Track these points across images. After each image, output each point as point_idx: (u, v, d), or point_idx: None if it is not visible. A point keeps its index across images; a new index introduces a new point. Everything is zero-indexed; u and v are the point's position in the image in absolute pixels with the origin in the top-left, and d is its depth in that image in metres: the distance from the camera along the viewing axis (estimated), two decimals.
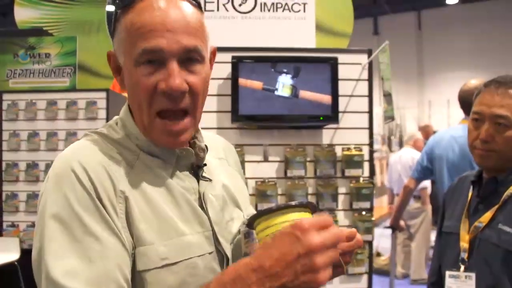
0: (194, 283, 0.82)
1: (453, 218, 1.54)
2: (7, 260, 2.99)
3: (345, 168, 2.43)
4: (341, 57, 2.40)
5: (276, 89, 2.30)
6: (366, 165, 2.45)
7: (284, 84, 2.31)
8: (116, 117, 0.96)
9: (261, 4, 2.75)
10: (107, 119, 3.16)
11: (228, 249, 0.92)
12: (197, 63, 0.86)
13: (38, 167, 3.24)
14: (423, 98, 13.90)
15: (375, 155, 6.87)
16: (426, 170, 3.12)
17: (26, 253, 3.02)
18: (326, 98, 2.33)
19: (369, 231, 2.41)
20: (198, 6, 0.88)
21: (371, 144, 2.49)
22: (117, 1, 0.86)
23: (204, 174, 0.95)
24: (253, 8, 2.75)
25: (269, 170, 2.43)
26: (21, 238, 3.17)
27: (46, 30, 3.59)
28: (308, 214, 0.77)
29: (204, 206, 0.91)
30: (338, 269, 0.91)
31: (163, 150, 0.90)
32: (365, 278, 2.43)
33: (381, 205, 6.45)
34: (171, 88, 0.82)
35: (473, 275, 1.38)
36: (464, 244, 1.43)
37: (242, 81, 2.29)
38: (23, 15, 3.61)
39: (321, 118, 2.35)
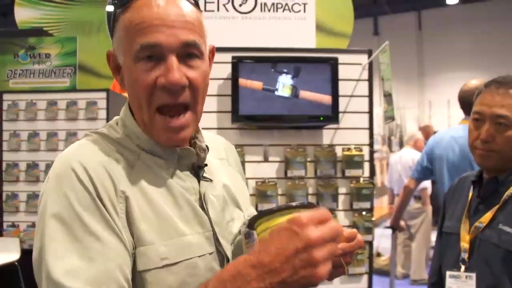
0: (194, 284, 0.82)
1: (453, 218, 1.54)
2: (8, 260, 3.00)
3: (345, 168, 2.43)
4: (341, 57, 2.40)
5: (276, 89, 2.31)
6: (366, 165, 2.45)
7: (284, 84, 2.31)
8: (116, 117, 0.96)
9: (261, 4, 2.75)
10: (107, 120, 3.16)
11: (228, 250, 0.92)
12: (196, 59, 0.86)
13: (38, 167, 3.24)
14: (424, 99, 13.90)
15: (375, 155, 6.87)
16: (426, 171, 3.12)
17: (26, 253, 3.02)
18: (326, 98, 2.33)
19: (369, 231, 2.41)
20: (195, 4, 0.89)
21: (371, 145, 2.49)
22: (116, 1, 0.87)
23: (205, 175, 0.95)
24: (253, 8, 2.75)
25: (269, 170, 2.42)
26: (22, 238, 3.17)
27: (46, 31, 3.60)
28: None
29: (205, 206, 0.91)
30: (339, 269, 0.91)
31: (164, 149, 0.90)
32: (365, 278, 2.43)
33: (382, 205, 6.45)
34: (170, 82, 0.82)
35: (473, 275, 1.38)
36: (464, 244, 1.43)
37: (242, 81, 2.29)
38: (23, 15, 3.61)
39: (321, 118, 2.35)
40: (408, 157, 5.26)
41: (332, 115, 2.34)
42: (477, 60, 12.54)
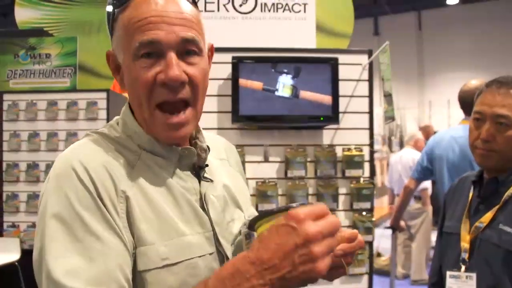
0: (194, 284, 0.82)
1: (453, 218, 1.54)
2: (8, 261, 3.00)
3: (346, 169, 2.43)
4: (342, 58, 2.40)
5: (277, 90, 2.31)
6: (366, 166, 2.45)
7: (284, 85, 2.31)
8: (117, 117, 0.96)
9: (261, 4, 2.75)
10: (108, 120, 3.16)
11: (229, 250, 0.92)
12: (195, 55, 0.87)
13: (39, 168, 3.24)
14: (424, 99, 13.89)
15: (376, 155, 6.88)
16: (426, 171, 3.11)
17: (26, 254, 3.02)
18: (327, 99, 2.33)
19: (369, 231, 2.41)
20: (193, 2, 0.90)
21: (371, 145, 2.49)
22: (115, 1, 0.87)
23: (205, 175, 0.95)
24: (254, 9, 2.75)
25: (270, 170, 2.43)
26: (22, 239, 3.17)
27: (47, 31, 3.60)
28: None
29: (205, 207, 0.91)
30: (340, 269, 0.91)
31: (165, 149, 0.90)
32: (365, 278, 2.43)
33: (382, 206, 6.45)
34: (170, 78, 0.83)
35: (473, 275, 1.38)
36: (464, 244, 1.43)
37: (242, 81, 2.29)
38: (23, 15, 3.61)
39: (322, 118, 2.35)
40: (408, 157, 5.26)
41: (332, 115, 2.34)
42: (477, 60, 12.54)
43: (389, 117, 2.38)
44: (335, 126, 2.43)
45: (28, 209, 3.21)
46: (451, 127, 4.55)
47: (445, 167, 2.85)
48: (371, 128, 2.49)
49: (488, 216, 1.39)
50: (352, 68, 2.47)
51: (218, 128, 2.39)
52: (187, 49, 0.85)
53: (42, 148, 3.26)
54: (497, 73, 1.65)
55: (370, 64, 2.48)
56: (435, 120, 11.93)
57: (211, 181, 0.96)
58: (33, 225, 3.15)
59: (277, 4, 2.75)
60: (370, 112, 2.49)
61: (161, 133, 0.87)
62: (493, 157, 1.41)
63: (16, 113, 3.28)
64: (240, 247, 0.94)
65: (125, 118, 0.92)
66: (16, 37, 3.49)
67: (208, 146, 0.97)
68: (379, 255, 5.65)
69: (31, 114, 3.28)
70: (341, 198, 2.44)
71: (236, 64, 2.30)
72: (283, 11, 2.76)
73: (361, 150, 2.44)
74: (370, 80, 2.49)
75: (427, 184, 4.97)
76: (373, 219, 2.45)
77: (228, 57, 2.32)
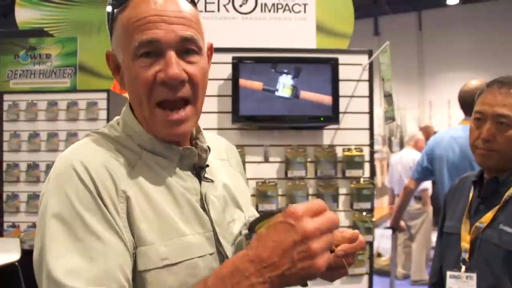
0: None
1: (454, 218, 1.54)
2: (8, 261, 2.99)
3: (346, 169, 2.43)
4: (342, 58, 2.40)
5: (277, 90, 2.31)
6: (366, 166, 2.45)
7: (284, 85, 2.31)
8: (117, 117, 0.96)
9: (261, 4, 2.75)
10: (108, 120, 3.16)
11: (229, 250, 0.92)
12: (195, 54, 0.87)
13: (39, 168, 3.24)
14: (424, 99, 13.90)
15: (376, 155, 6.87)
16: (426, 171, 3.11)
17: (26, 254, 3.02)
18: (327, 99, 2.33)
19: (369, 231, 2.41)
20: (192, 1, 0.90)
21: (371, 145, 2.49)
22: (114, 1, 0.87)
23: (206, 175, 0.95)
24: (254, 9, 2.75)
25: (270, 170, 2.43)
26: (22, 239, 3.16)
27: (47, 31, 3.60)
28: None
29: (206, 207, 0.91)
30: (341, 270, 0.92)
31: (166, 148, 0.90)
32: (365, 278, 2.43)
33: (382, 206, 6.45)
34: (170, 77, 0.83)
35: (474, 275, 1.38)
36: (465, 244, 1.43)
37: (242, 81, 2.29)
38: (23, 15, 3.61)
39: (322, 118, 2.35)
40: (408, 158, 5.26)
41: (332, 116, 2.34)
42: (477, 60, 12.54)
43: (389, 118, 2.39)
44: (335, 126, 2.43)
45: (28, 209, 3.21)
46: (451, 127, 4.55)
47: (445, 167, 2.85)
48: (371, 129, 2.49)
49: (488, 216, 1.39)
50: (352, 68, 2.47)
51: (218, 129, 2.40)
52: (187, 48, 0.85)
53: (42, 149, 3.25)
54: (497, 73, 1.65)
55: (370, 64, 2.48)
56: (435, 121, 11.94)
57: (212, 181, 0.95)
58: (33, 226, 3.15)
59: (277, 4, 2.76)
60: (370, 113, 2.49)
61: (161, 130, 0.87)
62: (494, 157, 1.41)
63: (16, 113, 3.28)
64: (241, 247, 0.94)
65: (126, 117, 0.92)
66: (16, 38, 3.49)
67: (208, 147, 0.97)
68: (379, 255, 5.65)
69: (31, 114, 3.28)
70: (341, 199, 2.44)
71: (236, 64, 2.30)
72: (283, 12, 2.76)
73: (361, 151, 2.44)
74: (370, 80, 2.49)
75: (427, 184, 4.97)
76: (373, 219, 2.45)
77: (228, 57, 2.31)
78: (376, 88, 2.50)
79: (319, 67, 2.36)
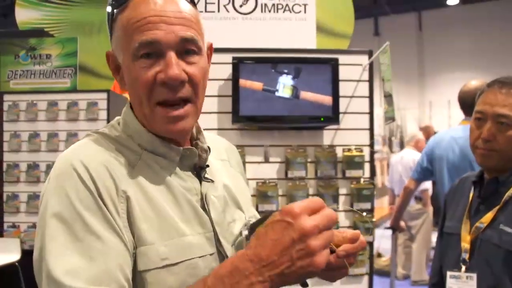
0: None
1: (454, 218, 1.54)
2: (8, 261, 2.99)
3: (346, 169, 2.43)
4: (342, 58, 2.40)
5: (277, 90, 2.31)
6: (366, 166, 2.45)
7: (284, 85, 2.31)
8: (117, 117, 0.96)
9: (261, 5, 2.75)
10: (108, 120, 3.16)
11: (229, 251, 0.92)
12: (195, 55, 0.87)
13: (39, 168, 3.24)
14: (424, 99, 13.90)
15: (376, 156, 6.87)
16: (426, 171, 3.11)
17: (26, 254, 3.01)
18: (327, 99, 2.33)
19: (369, 232, 2.41)
20: (192, 2, 0.90)
21: (371, 145, 2.49)
22: (113, 2, 0.87)
23: (206, 175, 0.95)
24: (254, 9, 2.75)
25: (270, 171, 2.42)
26: (22, 239, 3.16)
27: (47, 31, 3.59)
28: None
29: (206, 207, 0.91)
30: (342, 270, 0.92)
31: (167, 149, 0.90)
32: (365, 279, 2.43)
33: (382, 206, 6.45)
34: (170, 77, 0.83)
35: (474, 275, 1.38)
36: (465, 244, 1.43)
37: (242, 82, 2.29)
38: (24, 16, 3.61)
39: (322, 119, 2.35)
40: (409, 158, 5.27)
41: (332, 116, 2.34)
42: (477, 61, 12.54)
43: (390, 118, 2.39)
44: (335, 126, 2.43)
45: (29, 210, 3.20)
46: (451, 127, 4.55)
47: (445, 168, 2.85)
48: (371, 129, 2.49)
49: (488, 217, 1.39)
50: (352, 69, 2.47)
51: (218, 129, 2.40)
52: (187, 48, 0.86)
53: (42, 149, 3.25)
54: (497, 73, 1.65)
55: (371, 65, 2.48)
56: (435, 121, 11.94)
57: (212, 181, 0.95)
58: (34, 226, 3.15)
59: (277, 4, 2.76)
60: (371, 113, 2.49)
61: (161, 127, 0.87)
62: (494, 157, 1.41)
63: (16, 113, 3.28)
64: (241, 248, 0.94)
65: (126, 117, 0.92)
66: (16, 38, 3.49)
67: (209, 147, 0.97)
68: (379, 255, 5.65)
69: (31, 115, 3.28)
70: (342, 199, 2.44)
71: (237, 64, 2.30)
72: (283, 12, 2.76)
73: (361, 151, 2.44)
74: (371, 81, 2.49)
75: (427, 184, 4.97)
76: (374, 219, 2.45)
77: (228, 57, 2.31)
78: (376, 88, 2.50)
79: (319, 67, 2.36)
